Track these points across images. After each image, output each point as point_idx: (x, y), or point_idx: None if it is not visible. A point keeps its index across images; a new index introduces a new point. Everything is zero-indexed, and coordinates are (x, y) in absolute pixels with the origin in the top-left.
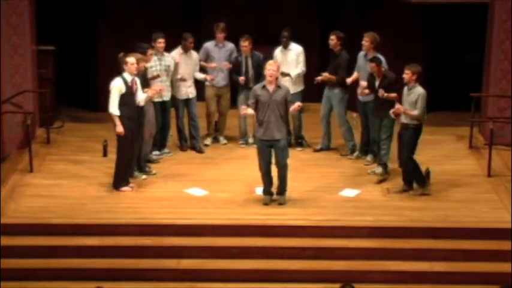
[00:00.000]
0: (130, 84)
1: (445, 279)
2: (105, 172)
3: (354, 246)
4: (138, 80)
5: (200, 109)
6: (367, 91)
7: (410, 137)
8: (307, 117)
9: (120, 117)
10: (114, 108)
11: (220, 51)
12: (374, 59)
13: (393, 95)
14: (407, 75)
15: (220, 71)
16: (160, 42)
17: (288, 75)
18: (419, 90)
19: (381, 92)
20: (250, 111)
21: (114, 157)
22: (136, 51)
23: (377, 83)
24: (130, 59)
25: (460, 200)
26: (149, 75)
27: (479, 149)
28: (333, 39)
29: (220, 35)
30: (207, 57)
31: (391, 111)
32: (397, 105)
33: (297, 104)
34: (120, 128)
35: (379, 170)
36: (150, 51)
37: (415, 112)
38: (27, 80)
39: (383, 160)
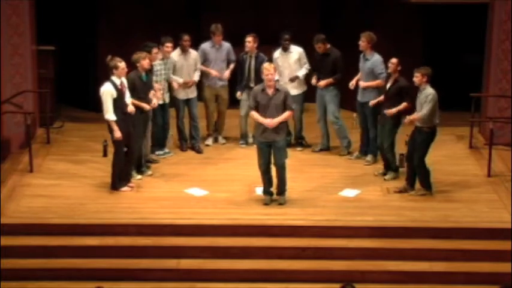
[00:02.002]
0: (120, 87)
1: (445, 279)
2: (105, 172)
3: (354, 246)
4: (125, 82)
5: (200, 109)
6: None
7: (423, 140)
8: (307, 117)
9: (116, 121)
10: (110, 113)
11: (217, 52)
12: (397, 58)
13: (401, 107)
14: (417, 78)
15: (217, 71)
16: (168, 47)
17: (296, 78)
18: (429, 91)
19: (389, 112)
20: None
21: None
22: (143, 50)
23: (388, 85)
24: (122, 64)
25: (460, 200)
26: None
27: (479, 149)
28: (320, 47)
29: (218, 38)
30: (205, 59)
31: (405, 120)
32: (407, 117)
33: (283, 116)
34: (118, 134)
35: (390, 175)
36: (155, 50)
37: (421, 113)
38: (27, 80)
39: (392, 167)
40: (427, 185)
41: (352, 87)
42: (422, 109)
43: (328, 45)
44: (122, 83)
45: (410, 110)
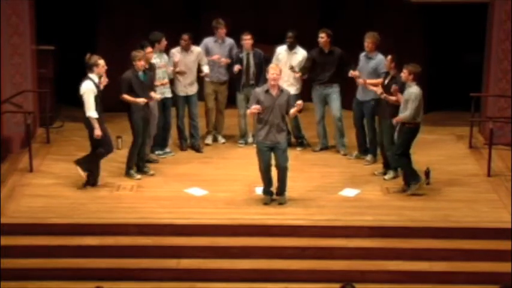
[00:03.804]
0: (98, 84)
1: (445, 279)
2: (104, 171)
3: (354, 246)
4: (101, 79)
5: (200, 108)
6: (376, 89)
7: (405, 135)
8: (306, 117)
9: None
10: (92, 111)
11: (220, 47)
12: (395, 58)
13: (393, 98)
14: (404, 74)
15: (219, 67)
16: (164, 42)
17: (292, 67)
18: (413, 89)
19: (379, 90)
20: (255, 107)
21: (114, 156)
22: (140, 49)
23: (386, 82)
24: (101, 61)
25: (460, 200)
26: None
27: (479, 149)
28: (323, 37)
29: (221, 31)
30: (207, 54)
31: (393, 121)
32: (394, 119)
33: (298, 105)
34: (98, 131)
35: (390, 175)
36: (148, 49)
37: (404, 114)
38: (27, 80)
39: (392, 166)
40: (410, 178)
41: (354, 75)
42: (407, 110)
43: (329, 44)
44: (99, 80)
45: (398, 107)
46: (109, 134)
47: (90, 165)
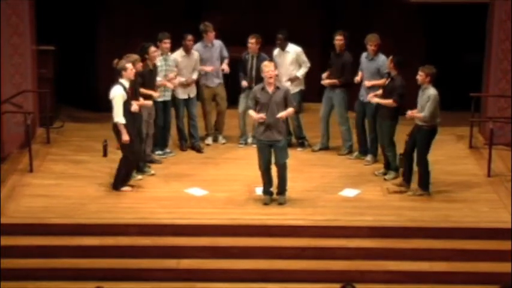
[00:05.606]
0: (128, 90)
1: (445, 279)
2: (105, 172)
3: (354, 246)
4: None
5: (199, 109)
6: (370, 96)
7: (423, 138)
8: (307, 117)
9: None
10: (120, 117)
11: (210, 51)
12: (394, 58)
13: (387, 101)
14: (420, 76)
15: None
16: (166, 43)
17: (296, 78)
18: (430, 91)
19: (370, 97)
20: (256, 115)
21: (114, 157)
22: (139, 51)
23: (386, 82)
24: (129, 65)
25: (460, 200)
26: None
27: (479, 149)
28: (341, 40)
29: (211, 34)
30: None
31: (406, 114)
32: (408, 111)
33: (287, 111)
34: (126, 137)
35: (391, 175)
36: (152, 49)
37: (422, 114)
38: (27, 80)
39: (392, 166)
40: (425, 186)
41: (359, 79)
42: (424, 111)
43: (344, 47)
44: (129, 86)
45: (397, 108)
46: (137, 141)
47: (127, 177)
